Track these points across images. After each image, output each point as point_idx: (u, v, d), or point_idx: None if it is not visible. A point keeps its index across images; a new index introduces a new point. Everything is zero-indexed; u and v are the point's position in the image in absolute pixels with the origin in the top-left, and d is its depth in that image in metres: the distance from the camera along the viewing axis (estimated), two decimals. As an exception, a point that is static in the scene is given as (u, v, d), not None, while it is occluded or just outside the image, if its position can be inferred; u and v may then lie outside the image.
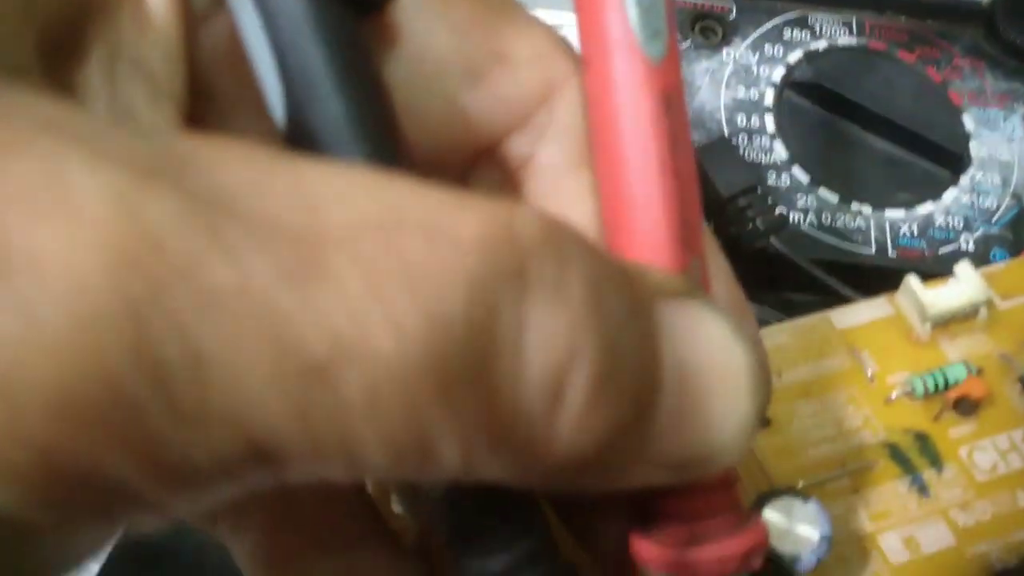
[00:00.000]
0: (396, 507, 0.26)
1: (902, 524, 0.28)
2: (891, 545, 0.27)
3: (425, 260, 0.12)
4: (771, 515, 0.23)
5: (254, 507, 0.20)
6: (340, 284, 0.12)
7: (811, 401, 0.30)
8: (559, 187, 0.20)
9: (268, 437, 0.12)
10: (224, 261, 0.11)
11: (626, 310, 0.15)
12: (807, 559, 0.22)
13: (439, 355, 0.12)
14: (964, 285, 0.32)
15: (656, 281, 0.16)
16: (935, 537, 0.27)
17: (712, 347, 0.16)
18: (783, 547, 0.23)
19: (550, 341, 0.13)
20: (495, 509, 0.17)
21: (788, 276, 0.36)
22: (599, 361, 0.14)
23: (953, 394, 0.29)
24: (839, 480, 0.29)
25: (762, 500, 0.23)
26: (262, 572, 0.20)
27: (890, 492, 0.28)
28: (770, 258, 0.35)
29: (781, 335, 0.32)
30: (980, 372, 0.30)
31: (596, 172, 0.19)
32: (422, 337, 0.12)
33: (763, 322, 0.32)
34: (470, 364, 0.13)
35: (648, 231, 0.18)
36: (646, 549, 0.19)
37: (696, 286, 0.19)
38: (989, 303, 0.32)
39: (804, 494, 0.23)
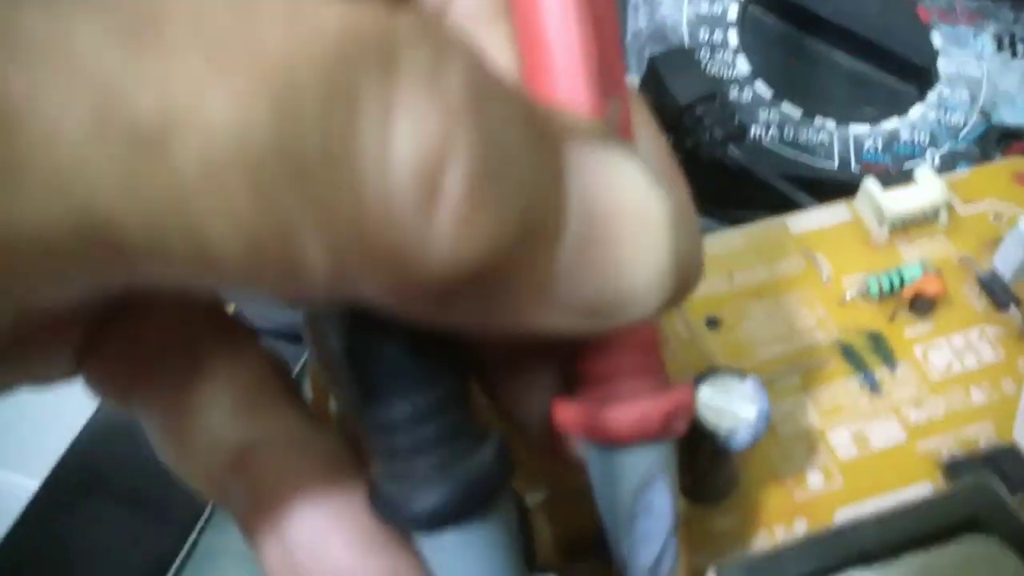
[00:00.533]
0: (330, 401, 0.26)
1: (852, 420, 0.27)
2: (840, 441, 0.27)
3: (280, 40, 0.12)
4: (707, 392, 0.22)
5: (161, 376, 0.19)
6: (178, 54, 0.11)
7: (763, 302, 0.30)
8: (476, 38, 0.19)
9: (98, 207, 0.11)
10: (42, 15, 0.11)
11: (520, 131, 0.14)
12: (743, 435, 0.22)
13: (288, 134, 0.11)
14: (924, 188, 0.31)
15: (567, 122, 0.16)
16: (886, 433, 0.27)
17: (624, 191, 0.16)
18: (720, 423, 0.22)
19: (421, 129, 0.12)
20: (400, 353, 0.16)
21: (748, 191, 0.35)
22: (478, 158, 0.13)
23: (908, 292, 0.28)
24: (789, 378, 0.28)
25: (699, 379, 0.23)
26: (172, 447, 0.19)
27: (841, 390, 0.28)
28: (729, 170, 0.34)
29: (735, 238, 0.31)
30: (938, 272, 0.29)
31: (512, 18, 0.19)
32: (267, 110, 0.11)
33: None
34: (328, 148, 0.12)
35: (563, 73, 0.18)
36: (564, 411, 0.18)
37: (611, 132, 0.18)
38: (950, 208, 0.31)
39: (742, 373, 0.23)
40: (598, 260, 0.15)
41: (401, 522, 0.17)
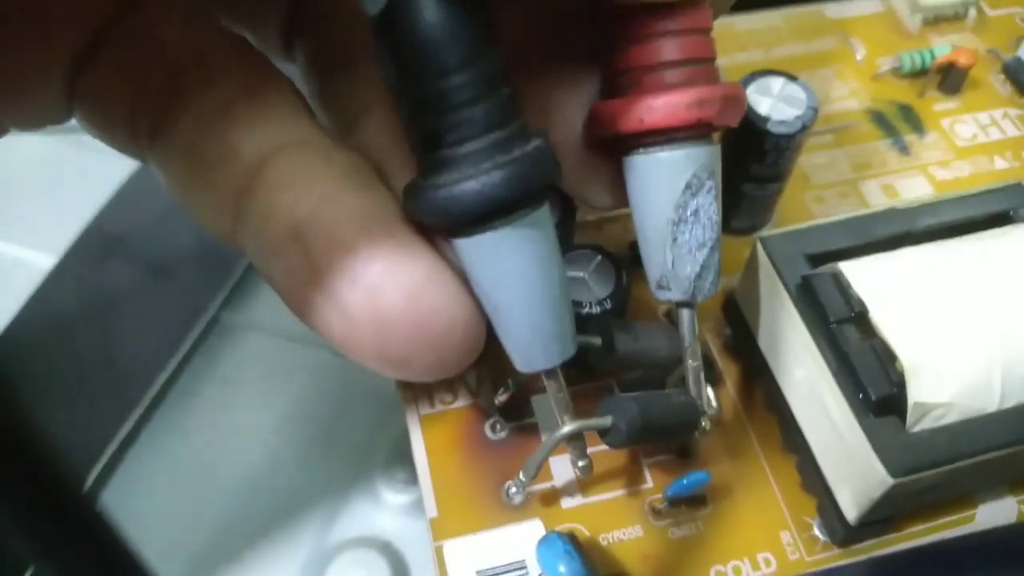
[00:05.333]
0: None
1: (882, 175, 0.28)
2: (871, 191, 0.28)
3: None
4: (752, 91, 0.23)
5: (166, 90, 0.18)
6: None
7: (798, 72, 0.30)
8: None
9: None
10: None
11: None
12: (792, 124, 0.22)
13: None
14: (957, -18, 0.32)
15: None
16: (914, 187, 0.28)
17: None
18: (771, 114, 0.22)
19: None
20: (456, 18, 0.15)
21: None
22: None
23: (941, 61, 0.29)
24: (823, 135, 0.29)
25: (746, 80, 0.23)
26: (186, 172, 0.18)
27: (872, 149, 0.29)
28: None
29: (773, 18, 0.32)
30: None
31: None
32: None
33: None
34: None
35: None
36: (604, 107, 0.18)
37: None
38: (979, 9, 0.32)
39: (790, 75, 0.23)
40: None
41: (449, 216, 0.16)
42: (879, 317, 0.19)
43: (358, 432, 0.30)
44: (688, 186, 0.17)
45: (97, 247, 0.34)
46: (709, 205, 0.18)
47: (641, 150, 0.18)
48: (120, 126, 0.18)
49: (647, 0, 0.16)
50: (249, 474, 0.30)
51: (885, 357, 0.19)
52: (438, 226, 0.17)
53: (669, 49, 0.17)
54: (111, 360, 0.31)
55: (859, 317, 0.19)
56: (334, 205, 0.16)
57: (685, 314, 0.19)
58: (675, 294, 0.19)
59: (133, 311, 0.32)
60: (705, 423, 0.20)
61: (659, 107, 0.17)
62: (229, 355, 0.33)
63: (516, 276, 0.17)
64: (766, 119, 0.22)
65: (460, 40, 0.15)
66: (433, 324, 0.16)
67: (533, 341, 0.17)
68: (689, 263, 0.18)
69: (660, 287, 0.19)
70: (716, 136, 0.18)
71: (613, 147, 0.18)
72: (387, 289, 0.16)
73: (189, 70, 0.18)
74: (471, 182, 0.15)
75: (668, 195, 0.18)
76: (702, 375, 0.20)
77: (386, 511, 0.28)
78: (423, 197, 0.16)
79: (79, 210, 0.34)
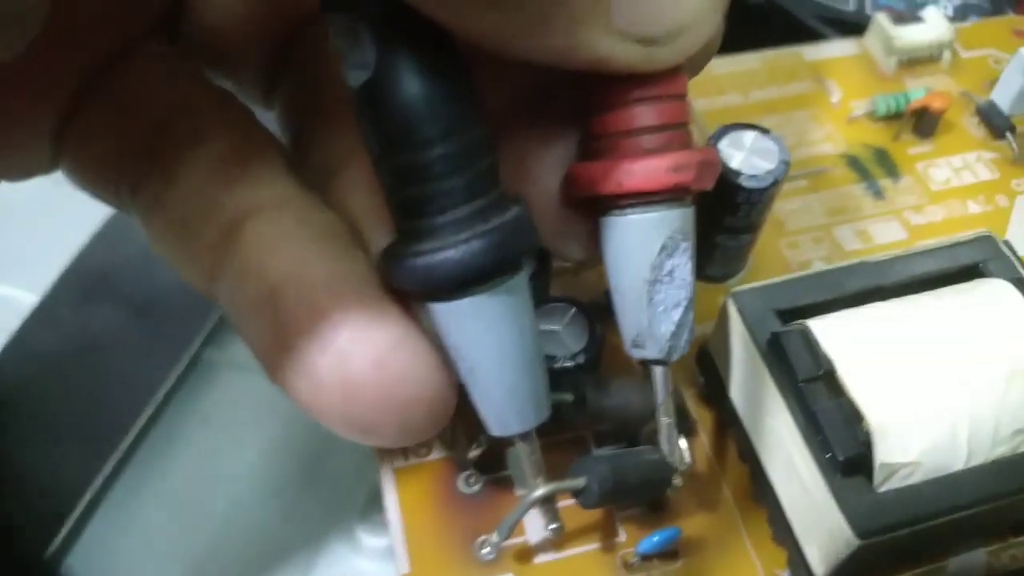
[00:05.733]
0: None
1: (857, 220, 0.28)
2: (845, 236, 0.28)
3: None
4: (726, 143, 0.23)
5: (148, 147, 0.18)
6: None
7: (775, 116, 0.31)
8: None
9: None
10: None
11: None
12: (763, 178, 0.23)
13: None
14: (931, 26, 0.32)
15: None
16: (888, 232, 0.28)
17: None
18: (742, 169, 0.23)
19: None
20: (436, 92, 0.15)
21: (768, 28, 0.35)
22: None
23: (915, 106, 0.29)
24: (797, 181, 0.29)
25: (719, 133, 0.23)
26: (165, 226, 0.18)
27: (846, 194, 0.29)
28: (750, 6, 0.35)
29: (751, 61, 0.32)
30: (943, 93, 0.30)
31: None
32: None
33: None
34: None
35: None
36: (581, 170, 0.18)
37: None
38: (953, 51, 0.32)
39: (763, 128, 0.23)
40: None
41: (427, 284, 0.16)
42: (846, 376, 0.19)
43: (337, 474, 0.30)
44: (664, 247, 0.18)
45: (79, 286, 0.34)
46: (684, 265, 0.18)
47: (618, 211, 0.18)
48: (104, 179, 0.19)
49: (627, 71, 0.16)
50: (228, 515, 0.30)
51: (852, 417, 0.19)
52: (415, 293, 0.17)
53: (646, 115, 0.17)
54: (93, 399, 0.31)
55: (827, 375, 0.20)
56: (307, 269, 0.17)
57: (659, 372, 0.19)
58: (650, 352, 0.19)
59: (115, 350, 0.32)
60: (677, 480, 0.20)
61: (638, 171, 0.17)
62: (210, 394, 0.33)
63: (493, 341, 0.17)
64: (738, 173, 0.22)
65: (442, 112, 0.15)
66: (400, 391, 0.16)
67: (508, 405, 0.18)
68: (664, 322, 0.18)
69: (635, 345, 0.19)
70: (690, 198, 0.18)
71: (590, 207, 0.18)
72: (355, 355, 0.16)
73: (172, 126, 0.18)
74: (451, 251, 0.15)
75: (644, 256, 0.18)
76: (675, 433, 0.20)
77: (364, 555, 0.28)
78: (402, 264, 0.16)
79: (62, 248, 0.34)
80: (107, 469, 0.30)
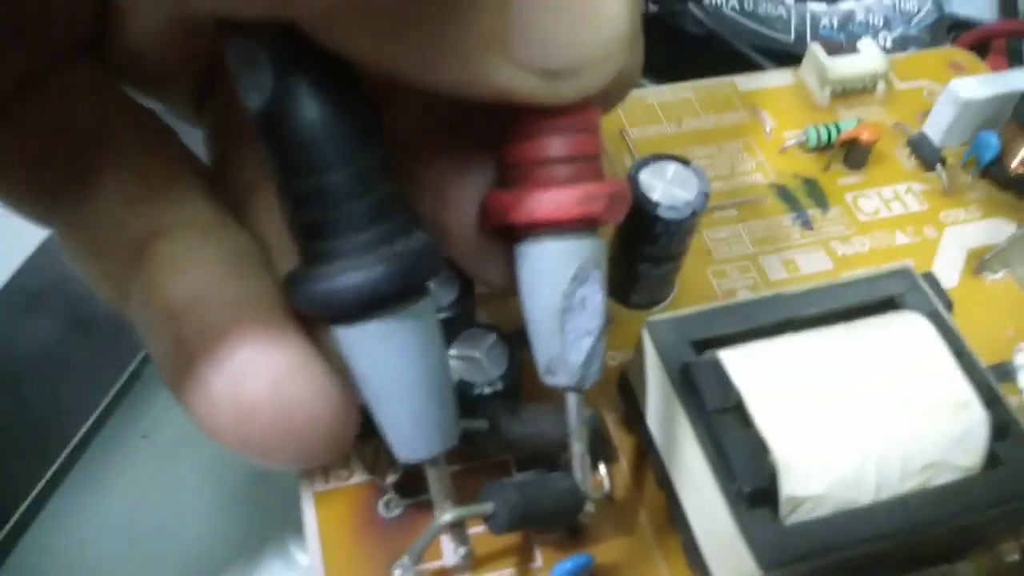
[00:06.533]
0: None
1: (784, 250, 0.28)
2: (771, 265, 0.28)
3: None
4: (647, 174, 0.23)
5: (62, 161, 0.18)
6: None
7: (707, 146, 0.31)
8: None
9: None
10: None
11: None
12: (682, 210, 0.23)
13: None
14: (866, 58, 0.32)
15: None
16: (814, 262, 0.28)
17: None
18: (661, 200, 0.23)
19: None
20: (335, 116, 0.15)
21: (706, 58, 0.36)
22: None
23: (845, 137, 0.30)
24: (726, 210, 0.29)
25: (641, 164, 0.23)
26: (76, 240, 0.18)
27: (775, 224, 0.29)
28: (689, 36, 0.35)
29: (685, 90, 0.32)
30: (873, 125, 0.31)
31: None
32: None
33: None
34: None
35: None
36: (495, 198, 0.18)
37: None
38: (888, 81, 0.33)
39: (685, 159, 0.24)
40: (557, 16, 0.15)
41: (328, 308, 0.16)
42: (754, 408, 0.19)
43: (275, 492, 0.30)
44: (576, 276, 0.18)
45: (20, 299, 0.33)
46: (595, 294, 0.18)
47: (530, 240, 0.18)
48: (23, 196, 0.18)
49: (531, 103, 0.16)
50: (165, 532, 0.29)
51: (759, 449, 0.19)
52: (318, 316, 0.17)
53: (557, 146, 0.17)
54: (31, 413, 0.31)
55: (736, 407, 0.20)
56: (209, 290, 0.16)
57: (572, 399, 0.19)
58: (562, 379, 0.19)
59: (54, 364, 0.32)
60: (589, 507, 0.20)
61: (548, 201, 0.17)
62: (150, 410, 0.33)
63: (397, 366, 0.17)
64: (656, 204, 0.22)
65: (340, 137, 0.15)
66: (295, 415, 0.16)
67: (415, 431, 0.17)
68: (576, 350, 0.18)
69: (548, 372, 0.19)
70: (601, 230, 0.18)
71: (506, 234, 0.19)
72: (250, 377, 0.16)
73: (88, 145, 0.18)
74: (352, 274, 0.15)
75: (556, 284, 0.18)
76: (587, 460, 0.20)
77: (297, 571, 0.27)
78: (303, 288, 0.16)
79: (3, 262, 0.33)
80: (42, 483, 0.29)
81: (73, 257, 0.18)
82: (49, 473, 0.29)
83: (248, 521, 0.29)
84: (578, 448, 0.20)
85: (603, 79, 0.16)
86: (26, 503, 0.29)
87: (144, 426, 0.32)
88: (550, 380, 0.19)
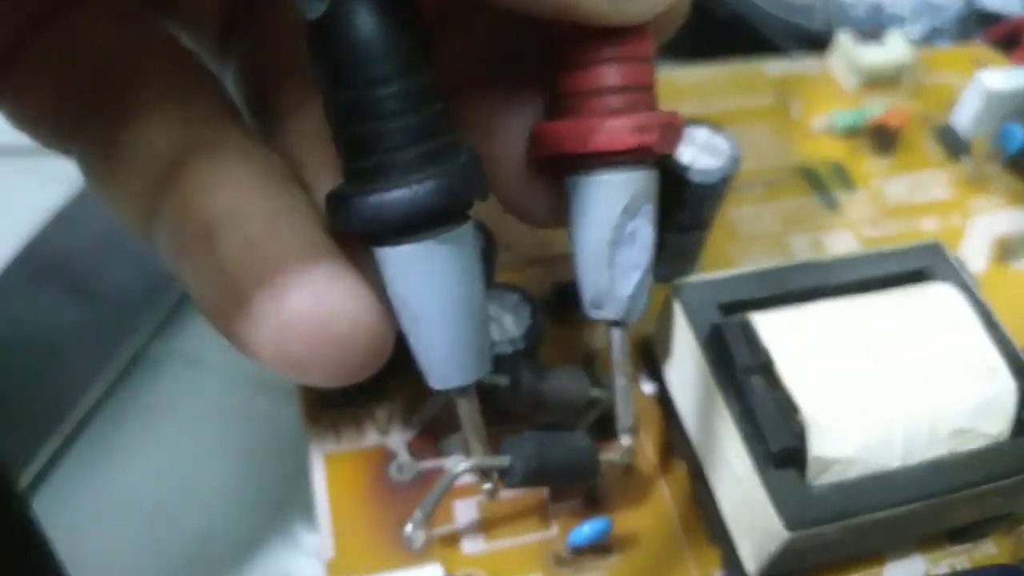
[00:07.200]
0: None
1: (810, 230, 0.28)
2: (797, 244, 0.28)
3: None
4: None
5: (92, 83, 0.18)
6: None
7: (734, 126, 0.31)
8: None
9: None
10: None
11: None
12: (712, 174, 0.22)
13: None
14: (893, 48, 0.32)
15: None
16: (840, 243, 0.28)
17: None
18: (693, 163, 0.23)
19: None
20: (393, 28, 0.15)
21: (736, 41, 0.36)
22: None
23: (873, 122, 0.29)
24: (752, 189, 0.29)
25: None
26: (103, 163, 0.18)
27: (801, 204, 0.29)
28: (719, 19, 0.35)
29: (712, 72, 0.32)
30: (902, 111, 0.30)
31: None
32: None
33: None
34: None
35: None
36: (546, 128, 0.18)
37: None
38: (915, 74, 0.33)
39: (717, 125, 0.23)
40: None
41: (376, 225, 0.16)
42: (783, 368, 0.19)
43: (281, 472, 0.29)
44: (626, 209, 0.18)
45: (30, 271, 0.33)
46: (645, 228, 0.18)
47: (583, 171, 0.18)
48: (45, 119, 0.18)
49: (594, 20, 0.16)
50: (168, 509, 0.29)
51: (787, 409, 0.19)
52: (362, 234, 0.16)
53: (612, 75, 0.17)
54: (35, 385, 0.31)
55: (764, 368, 0.19)
56: (246, 205, 0.16)
57: (617, 333, 0.19)
58: (609, 313, 0.19)
59: (61, 337, 0.32)
60: (627, 451, 0.20)
61: (602, 131, 0.17)
62: (156, 387, 0.32)
63: (438, 289, 0.16)
64: (687, 168, 0.22)
65: (397, 50, 0.15)
66: (336, 326, 0.16)
67: (450, 355, 0.17)
68: (624, 283, 0.18)
69: (594, 306, 0.19)
70: (652, 160, 0.18)
71: (555, 167, 0.18)
72: (291, 288, 0.16)
73: (115, 68, 0.18)
74: (402, 190, 0.15)
75: (607, 216, 0.18)
76: (629, 394, 0.20)
77: (302, 552, 0.27)
78: (350, 204, 0.16)
79: (13, 233, 0.33)
80: (44, 456, 0.29)
81: (95, 180, 0.18)
82: (50, 446, 0.29)
83: (253, 502, 0.29)
84: (622, 382, 0.19)
85: (665, 1, 0.16)
86: (30, 477, 0.28)
87: (149, 403, 0.31)
88: (596, 314, 0.19)
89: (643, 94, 0.17)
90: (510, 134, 0.19)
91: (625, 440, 0.20)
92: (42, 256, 0.34)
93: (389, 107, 0.15)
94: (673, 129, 0.18)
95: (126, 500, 0.29)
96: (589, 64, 0.17)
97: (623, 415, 0.19)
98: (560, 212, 0.19)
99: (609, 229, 0.18)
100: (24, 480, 0.28)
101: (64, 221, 0.34)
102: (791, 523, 0.18)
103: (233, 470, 0.30)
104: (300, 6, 0.15)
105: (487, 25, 0.16)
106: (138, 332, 0.33)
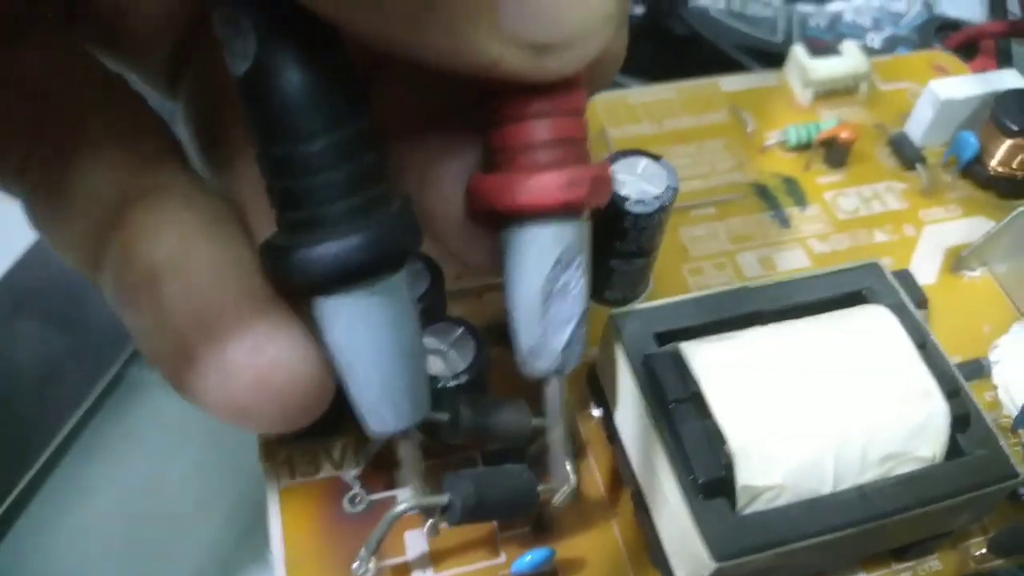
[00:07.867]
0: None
1: (761, 247, 0.28)
2: (747, 262, 0.28)
3: None
4: (618, 170, 0.23)
5: (37, 127, 0.18)
6: None
7: (688, 145, 0.31)
8: None
9: None
10: None
11: None
12: (650, 204, 0.23)
13: None
14: (848, 59, 0.32)
15: None
16: (791, 259, 0.28)
17: None
18: (631, 194, 0.23)
19: None
20: (319, 83, 0.15)
21: (693, 59, 0.36)
22: None
23: (823, 136, 0.30)
24: (705, 208, 0.29)
25: (612, 158, 0.24)
26: (49, 207, 0.18)
27: (752, 221, 0.29)
28: (676, 37, 0.36)
29: (667, 91, 0.32)
30: (853, 126, 0.31)
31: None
32: None
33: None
34: None
35: None
36: (479, 182, 0.18)
37: None
38: (870, 82, 0.33)
39: (656, 155, 0.24)
40: None
41: (304, 277, 0.16)
42: (713, 398, 0.19)
43: (256, 497, 0.30)
44: (559, 261, 0.18)
45: (7, 301, 0.34)
46: (578, 280, 0.18)
47: (515, 225, 0.18)
48: None
49: (517, 78, 0.16)
50: (145, 535, 0.29)
51: (716, 439, 0.19)
52: (293, 286, 0.17)
53: (542, 130, 0.17)
54: (13, 413, 0.31)
55: (694, 398, 0.20)
56: (191, 252, 0.17)
57: (553, 384, 0.19)
58: (544, 364, 0.19)
59: (39, 366, 0.32)
60: (564, 495, 0.20)
61: (532, 187, 0.17)
62: (134, 413, 0.33)
63: (370, 337, 0.17)
64: (625, 199, 0.23)
65: (322, 105, 0.15)
66: (275, 377, 0.16)
67: (385, 401, 0.17)
68: (557, 335, 0.18)
69: (530, 356, 0.19)
70: (585, 213, 0.18)
71: (490, 219, 0.18)
72: (233, 339, 0.16)
73: (59, 107, 0.18)
74: (329, 244, 0.15)
75: (539, 269, 0.18)
76: (564, 448, 0.20)
77: (271, 573, 0.27)
78: (280, 257, 0.16)
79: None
80: (23, 483, 0.29)
81: (41, 222, 0.18)
82: (29, 472, 0.29)
83: (227, 525, 0.29)
84: (558, 433, 0.20)
85: (589, 55, 0.16)
86: (5, 506, 0.29)
87: (127, 429, 0.32)
88: (531, 364, 0.19)
89: (574, 147, 0.17)
90: (447, 182, 0.19)
91: (558, 498, 0.20)
92: (19, 287, 0.34)
93: (317, 162, 0.15)
94: (603, 182, 0.18)
95: (102, 525, 0.29)
96: (518, 119, 0.17)
97: (558, 469, 0.20)
98: (499, 259, 0.19)
99: (542, 282, 0.18)
100: (3, 507, 0.29)
101: (41, 252, 0.34)
102: (718, 554, 0.18)
103: (210, 494, 0.30)
104: (228, 63, 0.15)
105: (422, 76, 0.16)
106: (116, 359, 0.33)
